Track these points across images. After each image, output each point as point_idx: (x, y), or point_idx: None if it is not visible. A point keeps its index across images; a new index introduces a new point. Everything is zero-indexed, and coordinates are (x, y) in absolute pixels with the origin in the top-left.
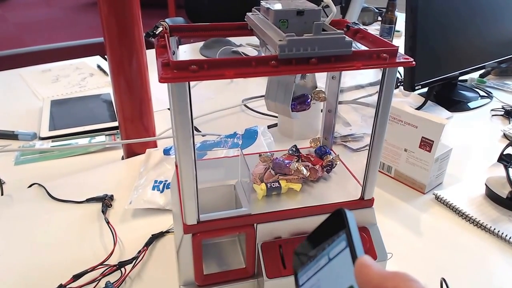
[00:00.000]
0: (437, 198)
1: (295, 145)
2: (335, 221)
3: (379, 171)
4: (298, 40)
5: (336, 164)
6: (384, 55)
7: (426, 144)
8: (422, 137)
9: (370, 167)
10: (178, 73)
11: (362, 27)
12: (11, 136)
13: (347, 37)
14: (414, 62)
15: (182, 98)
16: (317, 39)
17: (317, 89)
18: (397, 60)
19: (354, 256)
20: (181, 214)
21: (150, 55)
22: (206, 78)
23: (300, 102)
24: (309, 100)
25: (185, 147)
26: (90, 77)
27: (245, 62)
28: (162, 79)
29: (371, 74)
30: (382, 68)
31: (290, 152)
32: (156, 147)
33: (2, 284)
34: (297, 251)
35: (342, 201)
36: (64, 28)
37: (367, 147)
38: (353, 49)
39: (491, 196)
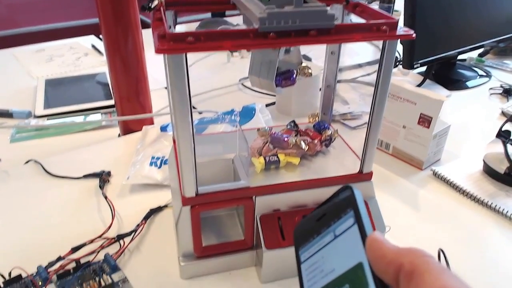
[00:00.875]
0: (435, 174)
1: (294, 120)
2: (341, 198)
3: (377, 148)
4: (277, 13)
5: (334, 138)
6: (384, 27)
7: (425, 121)
8: (421, 113)
9: (369, 140)
10: (174, 45)
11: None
12: (6, 114)
13: (329, 10)
14: (414, 35)
15: (179, 71)
16: (297, 12)
17: (302, 64)
18: (397, 33)
19: (363, 233)
20: (179, 187)
21: (146, 34)
22: (203, 50)
23: (285, 78)
24: (294, 76)
25: (182, 118)
26: (84, 56)
27: (243, 34)
28: (158, 50)
29: (369, 54)
30: (382, 42)
31: (289, 127)
32: (153, 124)
33: (1, 258)
34: (299, 228)
35: (341, 174)
36: (57, 8)
37: (366, 125)
38: (351, 22)
39: (489, 171)
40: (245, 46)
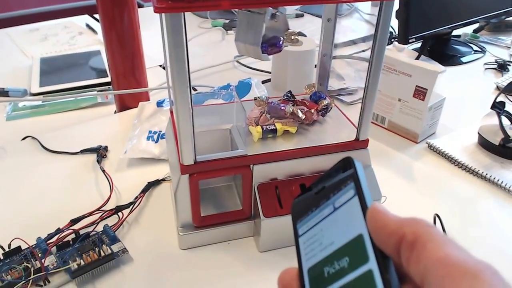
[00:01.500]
0: (430, 146)
1: (290, 91)
2: (340, 171)
3: (373, 122)
4: None
5: (331, 108)
6: None
7: (420, 93)
8: (416, 85)
9: (366, 106)
10: (173, 4)
11: None
12: (1, 93)
13: None
14: None
15: (177, 32)
16: None
17: (289, 30)
18: None
19: (364, 204)
20: (178, 158)
21: (142, 13)
22: (202, 9)
23: (271, 44)
24: (280, 42)
25: (181, 84)
26: (79, 35)
27: None
28: (157, 9)
29: (364, 30)
30: (378, 2)
31: (285, 97)
32: (149, 101)
33: (0, 231)
34: (297, 201)
35: (337, 142)
36: None
37: (361, 100)
38: None
39: (484, 144)
40: (244, 5)
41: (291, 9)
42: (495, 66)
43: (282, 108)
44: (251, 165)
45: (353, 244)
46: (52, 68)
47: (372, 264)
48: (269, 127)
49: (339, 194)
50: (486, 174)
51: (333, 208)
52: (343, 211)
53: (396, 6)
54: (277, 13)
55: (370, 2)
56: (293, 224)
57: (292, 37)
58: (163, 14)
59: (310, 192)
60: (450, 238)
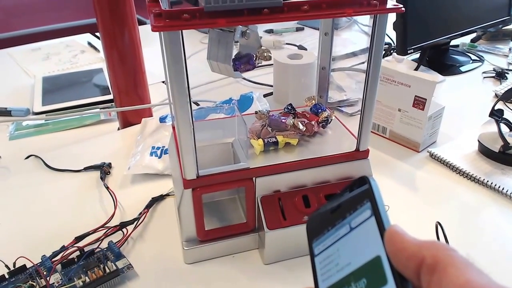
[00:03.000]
0: (431, 155)
1: (291, 103)
2: (356, 189)
3: (373, 132)
4: None
5: (331, 119)
6: (374, 1)
7: (419, 103)
8: (415, 96)
9: (365, 116)
10: (170, 22)
11: None
12: (4, 112)
13: None
14: (403, 9)
15: (175, 48)
16: None
17: (262, 48)
18: (387, 7)
19: (381, 225)
20: (180, 172)
21: (143, 31)
22: (199, 26)
23: (244, 62)
24: (253, 60)
25: (181, 98)
26: (81, 54)
27: (237, 11)
28: (154, 28)
29: (363, 42)
30: (372, 16)
31: (286, 110)
32: (152, 117)
33: (5, 250)
34: (312, 220)
35: (338, 153)
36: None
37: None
38: None
39: (484, 151)
40: (239, 22)
41: (291, 23)
42: (494, 75)
43: (283, 120)
44: (254, 178)
45: (371, 266)
46: (55, 87)
47: (391, 287)
48: (270, 139)
49: (355, 214)
50: (488, 181)
51: (350, 228)
52: (360, 232)
53: (393, 18)
54: (247, 31)
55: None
56: (308, 243)
57: (265, 54)
58: (161, 32)
59: (325, 210)
60: (471, 263)
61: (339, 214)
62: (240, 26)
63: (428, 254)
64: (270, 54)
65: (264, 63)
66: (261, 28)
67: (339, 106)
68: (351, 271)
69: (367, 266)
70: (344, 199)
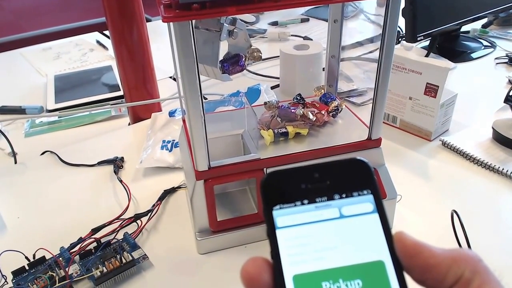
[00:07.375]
0: (444, 144)
1: (300, 93)
2: (353, 173)
3: (384, 122)
4: None
5: (341, 109)
6: None
7: (431, 90)
8: (427, 83)
9: (377, 104)
10: (180, 12)
11: None
12: (19, 111)
13: None
14: None
15: (186, 39)
16: None
17: (252, 47)
18: None
19: (387, 228)
20: (192, 164)
21: (150, 27)
22: (209, 16)
23: (233, 63)
24: (243, 60)
25: (192, 90)
26: (90, 52)
27: None
28: (165, 19)
29: (370, 31)
30: (384, 2)
31: (295, 100)
32: (161, 111)
33: (24, 242)
34: (277, 177)
35: (350, 142)
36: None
37: (371, 101)
38: None
39: (498, 138)
40: (249, 10)
41: (296, 14)
42: (506, 60)
43: (293, 110)
44: (264, 169)
45: (370, 269)
46: (66, 85)
47: None
48: (280, 130)
49: (350, 201)
50: (503, 169)
51: (340, 214)
52: (356, 225)
53: (402, 4)
54: (235, 30)
55: (375, 3)
56: (265, 207)
57: (255, 53)
58: (171, 24)
59: (303, 176)
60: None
61: (324, 191)
62: (227, 25)
63: (467, 268)
64: (260, 54)
65: (269, 55)
66: (265, 20)
67: (348, 96)
68: (341, 267)
69: (364, 268)
70: (335, 177)
